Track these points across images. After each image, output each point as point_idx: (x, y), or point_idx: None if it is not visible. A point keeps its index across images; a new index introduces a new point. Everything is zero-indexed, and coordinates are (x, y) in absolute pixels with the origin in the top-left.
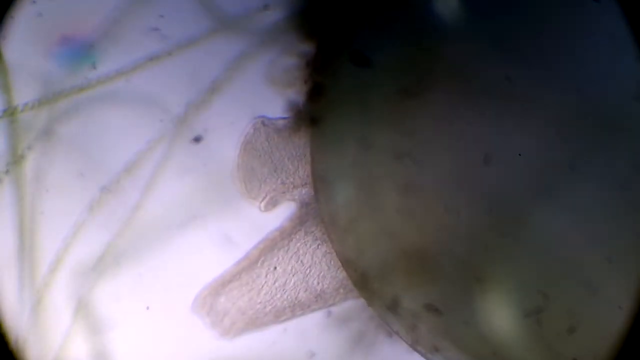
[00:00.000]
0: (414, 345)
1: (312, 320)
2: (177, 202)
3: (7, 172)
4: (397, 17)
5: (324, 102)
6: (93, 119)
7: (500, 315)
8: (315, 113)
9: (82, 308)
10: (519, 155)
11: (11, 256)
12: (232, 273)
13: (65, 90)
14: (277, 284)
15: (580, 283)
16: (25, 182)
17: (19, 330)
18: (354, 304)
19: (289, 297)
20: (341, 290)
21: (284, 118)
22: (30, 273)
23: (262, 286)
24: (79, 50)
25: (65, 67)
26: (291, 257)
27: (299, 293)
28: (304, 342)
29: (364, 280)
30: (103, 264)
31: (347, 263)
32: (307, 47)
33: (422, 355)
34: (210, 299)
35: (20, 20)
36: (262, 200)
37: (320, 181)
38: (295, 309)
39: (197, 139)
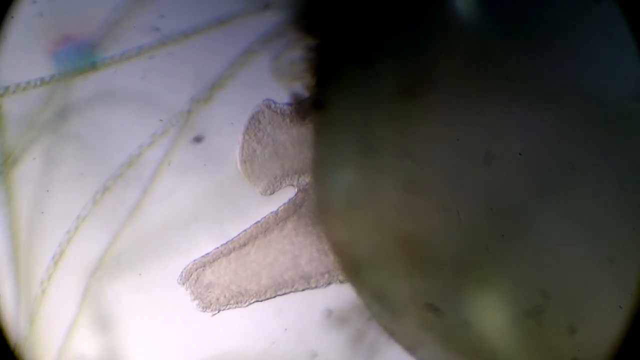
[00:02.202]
0: (396, 338)
1: (313, 321)
2: (178, 201)
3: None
4: (398, 18)
5: (326, 102)
6: (93, 119)
7: (500, 315)
8: (318, 102)
9: (83, 308)
10: (519, 155)
11: (10, 257)
12: (224, 249)
13: (50, 78)
14: (266, 261)
15: (580, 283)
16: (17, 183)
17: (19, 331)
18: (352, 304)
19: (275, 275)
20: (326, 275)
21: (290, 104)
22: (30, 273)
23: (251, 262)
24: (80, 51)
25: (66, 67)
26: (284, 237)
27: (285, 272)
28: (305, 342)
29: (355, 267)
30: (104, 264)
31: (339, 249)
32: (309, 44)
33: (404, 348)
34: (197, 272)
35: (21, 20)
36: (262, 183)
37: (319, 167)
38: (279, 287)
39: (198, 139)
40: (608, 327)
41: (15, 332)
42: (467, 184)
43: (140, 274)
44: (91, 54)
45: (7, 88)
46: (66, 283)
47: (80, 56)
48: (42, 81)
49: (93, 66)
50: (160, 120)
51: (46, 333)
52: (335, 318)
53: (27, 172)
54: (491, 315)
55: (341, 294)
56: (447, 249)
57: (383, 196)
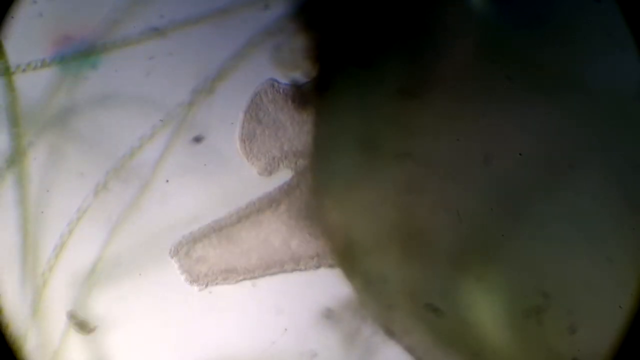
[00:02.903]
0: (385, 327)
1: (313, 321)
2: (178, 202)
3: (8, 167)
4: (398, 18)
5: (325, 102)
6: (94, 119)
7: (500, 315)
8: (322, 83)
9: (82, 308)
10: (519, 155)
11: (12, 254)
12: (215, 226)
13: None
14: (256, 240)
15: (580, 283)
16: (28, 176)
17: (19, 328)
18: (352, 304)
19: (264, 254)
20: (315, 258)
21: (294, 85)
22: (31, 272)
23: (242, 240)
24: (79, 50)
25: (66, 66)
26: (276, 218)
27: (276, 251)
28: (305, 342)
29: (347, 252)
30: (104, 263)
31: (334, 233)
32: (310, 37)
33: (393, 337)
34: (188, 246)
35: (21, 20)
36: (260, 163)
37: (317, 165)
38: (269, 267)
39: (198, 139)
40: (608, 327)
41: (16, 326)
42: (467, 184)
43: (140, 274)
44: (91, 54)
45: (7, 68)
46: (66, 280)
47: (80, 56)
48: (43, 62)
49: (93, 66)
50: (161, 120)
51: (45, 332)
52: (335, 318)
53: (28, 170)
54: (491, 315)
55: (341, 294)
56: (446, 248)
57: (382, 196)
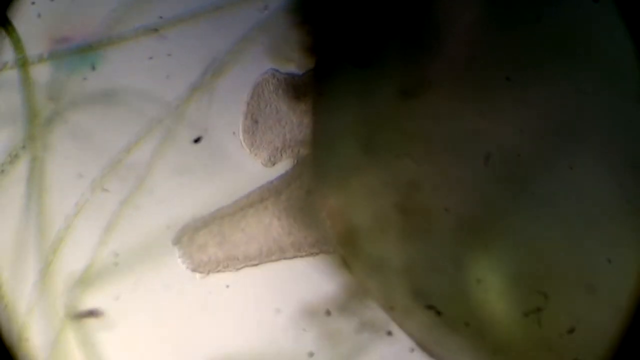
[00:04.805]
0: (389, 310)
1: (312, 320)
2: (177, 201)
3: (16, 156)
4: (398, 18)
5: (324, 102)
6: (93, 118)
7: (500, 316)
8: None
9: (79, 307)
10: (519, 155)
11: (11, 251)
12: (218, 214)
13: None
14: (258, 228)
15: (580, 283)
16: (37, 171)
17: (17, 325)
18: (352, 304)
19: (266, 241)
20: (317, 244)
21: (293, 75)
22: (30, 268)
23: (244, 228)
24: (78, 51)
25: (65, 67)
26: (279, 205)
27: (277, 239)
28: (304, 342)
29: (351, 236)
30: (102, 263)
31: (337, 218)
32: (309, 38)
33: (395, 319)
34: (190, 233)
35: (20, 20)
36: (264, 153)
37: (318, 148)
38: (269, 254)
39: (197, 140)
40: (608, 327)
41: (15, 323)
42: (466, 183)
43: (139, 274)
44: (90, 55)
45: (5, 63)
46: (65, 278)
47: (79, 56)
48: (41, 58)
49: (92, 66)
50: (161, 120)
51: (44, 331)
52: (334, 317)
53: (25, 172)
54: (491, 315)
55: (341, 294)
56: (447, 249)
57: (382, 194)
